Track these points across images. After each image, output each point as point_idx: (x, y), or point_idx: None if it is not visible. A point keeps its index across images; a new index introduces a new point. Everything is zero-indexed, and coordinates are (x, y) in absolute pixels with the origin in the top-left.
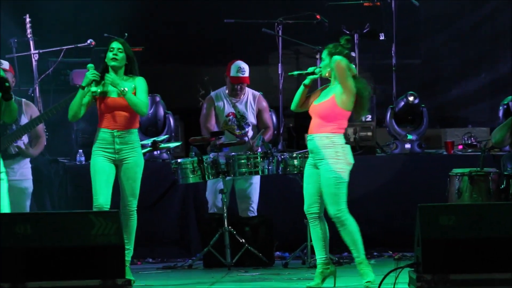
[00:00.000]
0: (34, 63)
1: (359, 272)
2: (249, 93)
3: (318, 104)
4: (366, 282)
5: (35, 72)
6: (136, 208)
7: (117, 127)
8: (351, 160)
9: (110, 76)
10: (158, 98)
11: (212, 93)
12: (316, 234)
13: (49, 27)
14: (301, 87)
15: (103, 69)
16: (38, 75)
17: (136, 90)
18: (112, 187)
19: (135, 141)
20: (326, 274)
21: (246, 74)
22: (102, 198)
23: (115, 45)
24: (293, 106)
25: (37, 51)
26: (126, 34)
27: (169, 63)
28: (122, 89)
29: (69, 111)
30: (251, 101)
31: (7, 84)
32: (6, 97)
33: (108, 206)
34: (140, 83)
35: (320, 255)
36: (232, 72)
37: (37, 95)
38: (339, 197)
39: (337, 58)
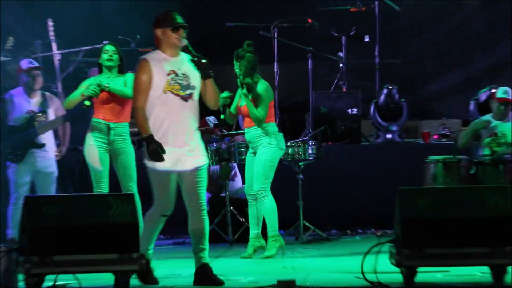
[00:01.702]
0: (56, 62)
1: (268, 244)
2: None
3: (242, 107)
4: (267, 256)
5: (57, 70)
6: (137, 191)
7: (113, 119)
8: (282, 146)
9: (96, 86)
10: None
11: None
12: (252, 212)
13: (69, 30)
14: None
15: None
16: (60, 72)
17: (126, 83)
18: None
19: (126, 134)
20: (256, 247)
21: None
22: (105, 185)
23: (109, 47)
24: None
25: (59, 52)
26: (138, 36)
27: None
28: (105, 85)
29: (66, 102)
30: None
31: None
32: None
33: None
34: (129, 77)
35: (253, 230)
36: None
37: (60, 91)
38: (266, 177)
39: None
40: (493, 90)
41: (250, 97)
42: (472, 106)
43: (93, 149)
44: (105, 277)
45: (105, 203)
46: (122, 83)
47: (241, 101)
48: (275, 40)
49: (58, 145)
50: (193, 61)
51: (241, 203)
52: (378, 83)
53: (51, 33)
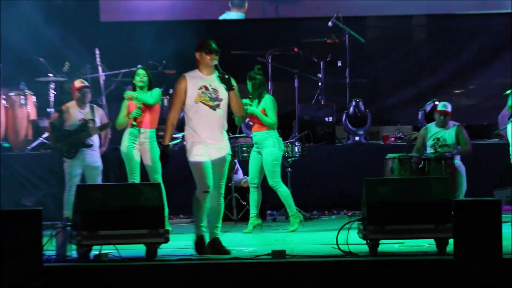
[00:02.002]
0: (101, 82)
1: (290, 221)
2: None
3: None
4: (292, 231)
5: (102, 88)
6: (161, 181)
7: (143, 126)
8: (282, 147)
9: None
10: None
11: None
12: (253, 197)
13: (111, 56)
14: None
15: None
16: (104, 89)
17: (151, 94)
18: None
19: (153, 137)
20: (255, 224)
21: None
22: (137, 176)
23: (141, 71)
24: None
25: (103, 74)
26: (164, 61)
27: None
28: (135, 96)
29: (118, 126)
30: None
31: None
32: None
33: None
34: (154, 91)
35: (253, 211)
36: None
37: (104, 103)
38: (276, 173)
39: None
40: (436, 103)
41: (258, 108)
42: (420, 115)
43: (128, 148)
44: (138, 247)
45: (137, 190)
46: (148, 95)
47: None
48: (269, 64)
49: (101, 145)
50: (219, 77)
51: (243, 191)
52: (348, 97)
53: (98, 59)
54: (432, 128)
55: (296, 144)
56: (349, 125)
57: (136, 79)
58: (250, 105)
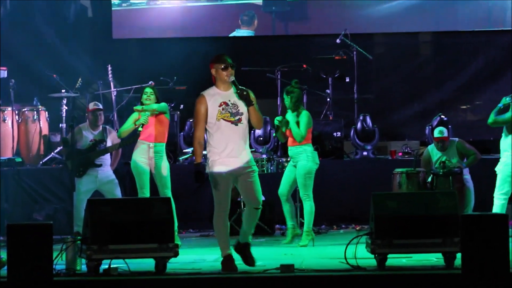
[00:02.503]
0: (113, 97)
1: (302, 236)
2: None
3: (288, 130)
4: (301, 245)
5: (114, 103)
6: (171, 195)
7: (153, 140)
8: (317, 161)
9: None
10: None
11: None
12: (286, 209)
13: (124, 73)
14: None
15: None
16: (116, 105)
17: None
18: None
19: (163, 151)
20: (294, 234)
21: None
22: (147, 191)
23: (148, 90)
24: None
25: (115, 89)
26: (175, 77)
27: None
28: (141, 108)
29: (120, 134)
30: None
31: None
32: None
33: None
34: (161, 104)
35: (289, 222)
36: None
37: (115, 119)
38: (309, 187)
39: (297, 133)
40: (442, 117)
41: (286, 127)
42: (427, 130)
43: (138, 163)
44: (147, 262)
45: (148, 204)
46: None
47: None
48: (279, 80)
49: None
50: (237, 93)
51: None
52: (356, 113)
53: (110, 75)
54: (434, 152)
55: None
56: (357, 140)
57: (143, 97)
58: (285, 122)
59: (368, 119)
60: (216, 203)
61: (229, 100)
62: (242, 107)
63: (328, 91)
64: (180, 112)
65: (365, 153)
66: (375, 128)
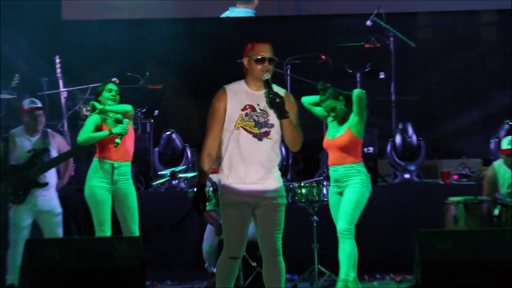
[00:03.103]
0: (63, 100)
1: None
2: None
3: (335, 139)
4: None
5: (63, 108)
6: (139, 233)
7: (118, 159)
8: (370, 188)
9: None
10: (174, 135)
11: None
12: (343, 250)
13: (77, 67)
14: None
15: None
16: (67, 111)
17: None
18: None
19: (129, 173)
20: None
21: None
22: (108, 228)
23: (113, 87)
24: (305, 103)
25: (65, 89)
26: (147, 73)
27: (187, 99)
28: (127, 123)
29: (85, 140)
30: None
31: None
32: None
33: None
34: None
35: (343, 270)
36: None
37: (66, 129)
38: (354, 218)
39: (358, 90)
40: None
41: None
42: (492, 145)
43: (97, 190)
44: None
45: (110, 246)
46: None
47: (329, 132)
48: (288, 76)
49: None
50: (268, 97)
51: (253, 246)
52: (394, 120)
53: (58, 70)
54: (501, 170)
55: (325, 184)
56: (396, 158)
57: (104, 95)
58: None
59: (411, 129)
60: (225, 242)
61: (258, 105)
62: (274, 116)
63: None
64: (155, 121)
65: (407, 175)
66: (420, 141)
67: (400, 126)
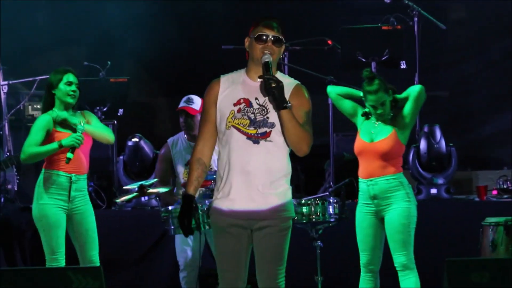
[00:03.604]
0: (2, 96)
1: None
2: None
3: (375, 143)
4: None
5: (4, 106)
6: (99, 262)
7: (76, 171)
8: (415, 200)
9: (62, 116)
10: (142, 142)
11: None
12: None
13: (20, 54)
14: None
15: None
16: (8, 109)
17: (91, 122)
18: None
19: (85, 188)
20: None
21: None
22: (62, 256)
23: (73, 79)
24: (333, 92)
25: (6, 82)
26: (109, 62)
27: (158, 95)
28: (80, 122)
29: (30, 157)
30: None
31: None
32: None
33: None
34: (91, 115)
35: None
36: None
37: (7, 132)
38: (411, 245)
39: (419, 87)
40: None
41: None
42: None
43: (49, 210)
44: None
45: (64, 279)
46: (99, 126)
47: (364, 133)
48: (285, 66)
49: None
50: (261, 82)
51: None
52: (418, 122)
53: None
54: None
55: (331, 200)
56: (421, 169)
57: (62, 89)
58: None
59: (439, 133)
60: (219, 275)
61: (257, 99)
62: (276, 113)
63: None
64: (119, 122)
65: (434, 190)
66: (450, 148)
67: (426, 129)
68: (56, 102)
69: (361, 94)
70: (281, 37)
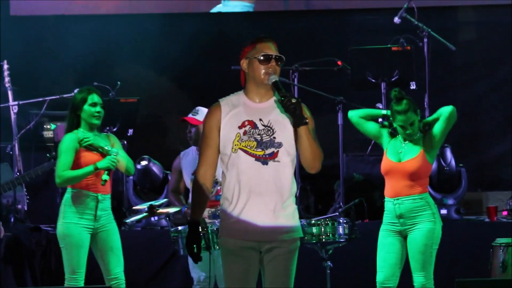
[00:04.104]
0: (13, 116)
1: None
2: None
3: (403, 163)
4: None
5: (14, 126)
6: (124, 282)
7: (101, 190)
8: (441, 221)
9: (89, 141)
10: (151, 164)
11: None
12: None
13: (30, 75)
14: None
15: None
16: (18, 130)
17: (115, 146)
18: None
19: (110, 207)
20: None
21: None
22: (82, 277)
23: (97, 99)
24: (355, 116)
25: (16, 103)
26: (119, 83)
27: (167, 115)
28: (107, 146)
29: (66, 182)
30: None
31: None
32: None
33: None
34: (116, 139)
35: None
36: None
37: (17, 153)
38: (431, 265)
39: (451, 108)
40: None
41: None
42: None
43: (74, 229)
44: None
45: None
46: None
47: (391, 152)
48: (295, 87)
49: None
50: (280, 101)
51: None
52: None
53: (6, 79)
54: None
55: (341, 221)
56: (430, 189)
57: (88, 111)
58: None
59: (449, 154)
60: None
61: (261, 120)
62: (284, 133)
63: (379, 105)
64: (129, 142)
65: (444, 210)
66: (460, 168)
67: (437, 152)
68: (82, 123)
69: (382, 113)
70: (282, 57)
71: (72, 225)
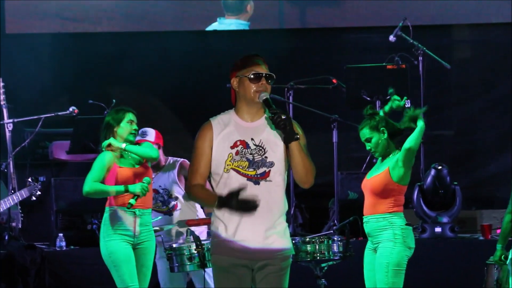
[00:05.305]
0: (7, 134)
1: None
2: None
3: (368, 180)
4: None
5: (8, 144)
6: None
7: (140, 205)
8: (411, 244)
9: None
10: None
11: None
12: None
13: (25, 93)
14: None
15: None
16: (13, 147)
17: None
18: None
19: (150, 223)
20: None
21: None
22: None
23: (133, 118)
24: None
25: (11, 120)
26: (114, 100)
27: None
28: (148, 182)
29: (94, 192)
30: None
31: None
32: None
33: None
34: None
35: None
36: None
37: (11, 170)
38: (388, 286)
39: (423, 123)
40: None
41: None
42: None
43: (117, 245)
44: None
45: None
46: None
47: (370, 172)
48: (290, 105)
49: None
50: (270, 118)
51: None
52: (423, 160)
53: (2, 96)
54: None
55: (335, 238)
56: (425, 207)
57: (124, 127)
58: None
59: (444, 172)
60: None
61: (253, 139)
62: (274, 152)
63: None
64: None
65: (438, 229)
66: (455, 186)
67: (432, 171)
68: (117, 139)
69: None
70: (272, 75)
71: (114, 242)
